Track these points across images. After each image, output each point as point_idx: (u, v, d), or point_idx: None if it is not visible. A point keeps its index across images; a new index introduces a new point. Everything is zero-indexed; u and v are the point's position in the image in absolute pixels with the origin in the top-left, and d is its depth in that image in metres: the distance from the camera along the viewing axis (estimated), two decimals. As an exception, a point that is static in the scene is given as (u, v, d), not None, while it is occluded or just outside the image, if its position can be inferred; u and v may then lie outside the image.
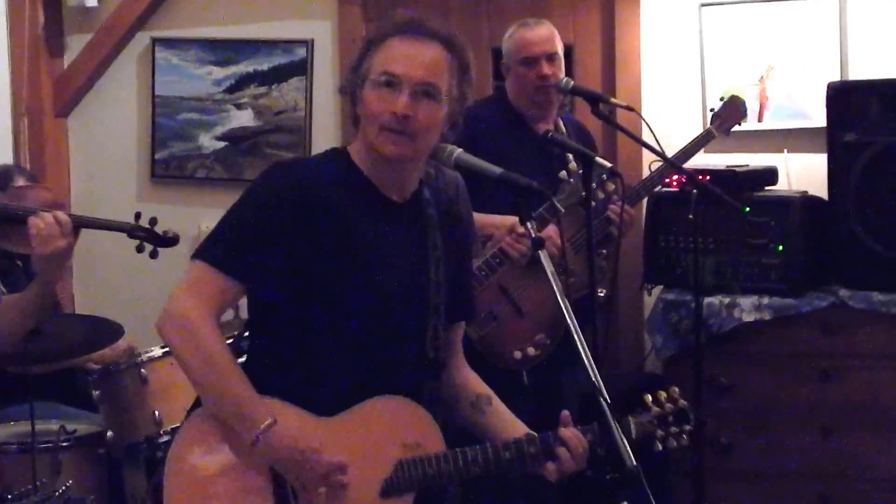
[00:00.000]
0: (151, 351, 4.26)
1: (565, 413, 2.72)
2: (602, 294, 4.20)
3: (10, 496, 3.40)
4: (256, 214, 2.62)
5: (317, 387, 2.63)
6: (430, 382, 2.77)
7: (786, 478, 4.55)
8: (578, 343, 2.45)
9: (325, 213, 2.60)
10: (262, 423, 2.55)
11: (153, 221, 3.80)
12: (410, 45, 2.63)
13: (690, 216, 4.12)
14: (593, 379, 2.44)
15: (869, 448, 4.46)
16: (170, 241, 3.85)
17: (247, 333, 2.89)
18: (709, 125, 4.57)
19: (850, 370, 4.47)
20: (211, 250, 2.63)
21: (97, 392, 4.31)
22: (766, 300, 4.52)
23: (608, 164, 3.45)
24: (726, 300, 4.53)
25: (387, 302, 2.67)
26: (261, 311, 2.73)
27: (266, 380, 2.62)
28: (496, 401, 2.91)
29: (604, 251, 4.22)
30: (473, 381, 2.94)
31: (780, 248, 4.53)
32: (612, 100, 4.18)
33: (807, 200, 4.62)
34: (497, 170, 2.72)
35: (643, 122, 4.24)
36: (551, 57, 4.24)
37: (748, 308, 4.51)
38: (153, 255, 3.81)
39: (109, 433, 4.24)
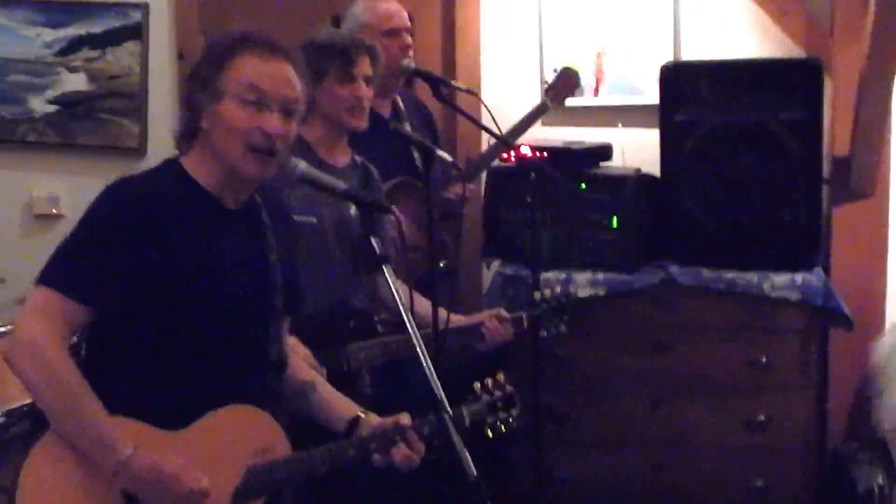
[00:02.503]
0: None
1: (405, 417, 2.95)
2: (443, 265, 4.50)
3: None
4: (96, 235, 2.68)
5: (163, 399, 2.71)
6: (274, 384, 2.92)
7: (620, 446, 4.90)
8: (421, 357, 2.72)
9: (163, 228, 2.68)
10: (123, 452, 2.62)
11: None
12: (270, 63, 2.76)
13: (528, 198, 4.38)
14: (437, 394, 2.72)
15: (697, 417, 4.83)
16: None
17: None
18: (543, 97, 4.86)
19: (680, 344, 4.81)
20: (54, 275, 2.66)
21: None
22: (600, 276, 4.82)
23: (449, 158, 3.67)
24: (562, 275, 4.84)
25: (230, 309, 2.78)
26: (100, 325, 2.76)
27: (108, 394, 2.66)
28: (321, 385, 3.09)
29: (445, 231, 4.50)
30: (298, 370, 3.10)
31: (615, 224, 4.83)
32: (454, 83, 4.42)
33: (640, 178, 4.91)
34: (341, 185, 2.94)
35: (482, 105, 4.48)
36: (408, 29, 4.46)
37: (583, 283, 4.82)
38: None
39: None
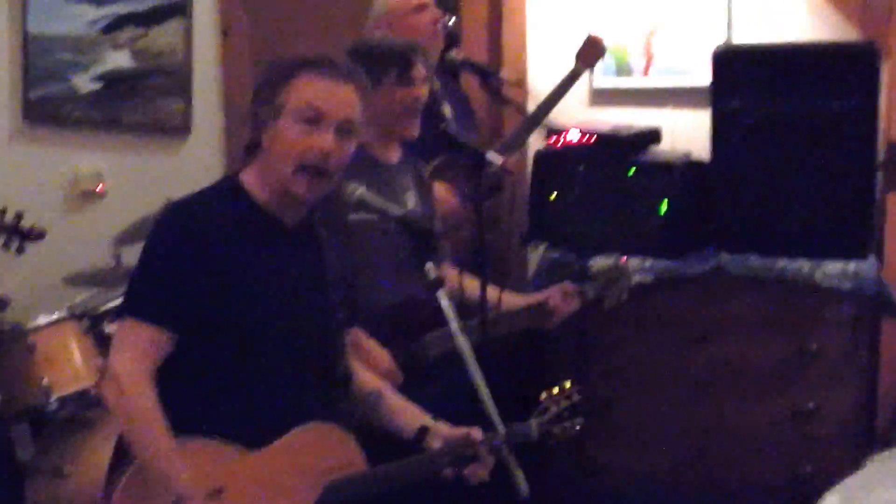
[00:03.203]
0: (38, 319, 4.45)
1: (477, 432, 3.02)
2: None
3: None
4: (163, 259, 2.79)
5: (236, 418, 2.81)
6: (342, 398, 3.01)
7: (664, 434, 4.90)
8: (481, 390, 2.75)
9: (224, 248, 2.77)
10: (177, 490, 2.72)
11: (19, 215, 3.93)
12: (330, 83, 2.82)
13: (575, 183, 4.39)
14: (491, 417, 2.77)
15: (743, 405, 4.82)
16: (36, 236, 3.98)
17: None
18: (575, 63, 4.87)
19: (727, 331, 4.80)
20: (134, 305, 2.81)
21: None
22: (648, 263, 4.81)
23: (498, 162, 3.70)
24: (609, 261, 4.83)
25: (295, 328, 2.86)
26: (174, 352, 2.85)
27: (186, 415, 2.78)
28: (388, 393, 3.16)
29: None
30: (364, 380, 3.17)
31: (663, 210, 4.82)
32: (501, 76, 4.41)
33: (689, 163, 4.89)
34: (397, 211, 2.98)
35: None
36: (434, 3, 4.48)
37: (630, 270, 4.82)
38: (19, 250, 3.95)
39: (-2, 399, 4.42)
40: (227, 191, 2.90)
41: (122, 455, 2.86)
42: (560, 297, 4.03)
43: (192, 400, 2.81)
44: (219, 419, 2.80)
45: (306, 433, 2.88)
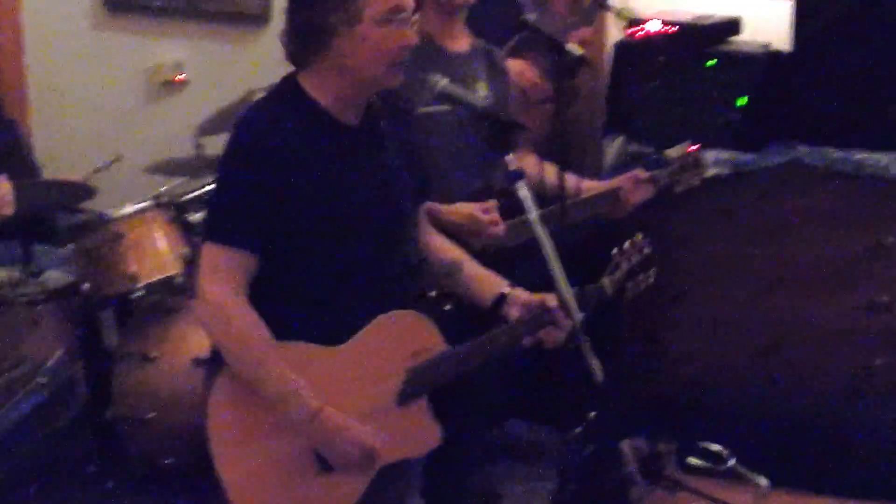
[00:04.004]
0: (125, 208, 4.59)
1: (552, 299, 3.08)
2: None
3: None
4: (240, 180, 2.83)
5: (319, 319, 2.88)
6: (415, 284, 3.10)
7: (736, 325, 4.94)
8: (559, 281, 2.85)
9: (296, 156, 2.81)
10: (310, 409, 2.81)
11: None
12: None
13: (655, 81, 4.43)
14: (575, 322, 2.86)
15: (816, 298, 4.84)
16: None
17: None
18: None
19: (803, 224, 4.81)
20: (217, 231, 2.85)
21: (72, 245, 4.64)
22: (725, 155, 4.83)
23: (577, 52, 3.72)
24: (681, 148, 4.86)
25: (368, 222, 2.92)
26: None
27: (271, 321, 2.83)
28: (468, 263, 3.22)
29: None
30: (442, 249, 3.24)
31: (742, 102, 4.83)
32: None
33: (770, 55, 4.89)
34: (480, 103, 3.03)
35: None
36: None
37: (707, 162, 4.85)
38: None
39: (86, 285, 4.57)
40: (291, 98, 2.92)
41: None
42: (632, 185, 4.08)
43: (276, 312, 2.85)
44: (304, 326, 2.87)
45: (387, 322, 2.96)
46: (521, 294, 3.14)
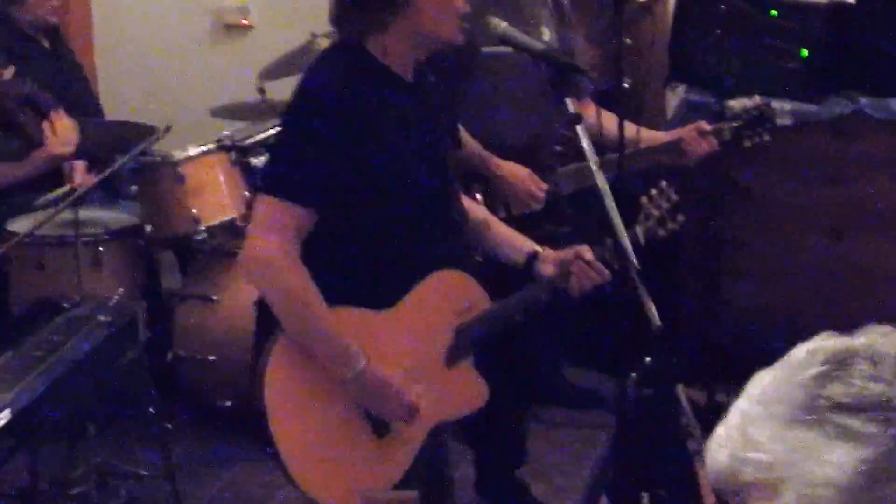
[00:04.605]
0: (188, 150, 4.65)
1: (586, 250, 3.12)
2: (626, 84, 4.58)
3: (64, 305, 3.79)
4: (305, 135, 2.81)
5: (374, 280, 2.89)
6: (460, 242, 3.08)
7: (798, 276, 4.98)
8: (617, 228, 2.90)
9: (363, 114, 2.80)
10: (358, 365, 2.81)
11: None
12: None
13: (717, 30, 4.43)
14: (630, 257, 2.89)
15: (880, 250, 4.88)
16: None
17: None
18: None
19: (865, 176, 4.84)
20: (275, 183, 2.82)
21: (135, 187, 4.73)
22: (787, 105, 4.82)
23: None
24: (748, 102, 4.87)
25: (421, 180, 2.92)
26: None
27: (322, 284, 2.81)
28: (495, 223, 3.25)
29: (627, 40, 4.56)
30: (472, 209, 3.24)
31: (805, 53, 4.83)
32: None
33: (833, 4, 4.86)
34: (539, 46, 3.05)
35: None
36: None
37: (776, 117, 4.84)
38: None
39: (148, 227, 4.66)
40: (358, 58, 2.88)
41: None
42: (695, 137, 4.07)
43: (325, 275, 2.83)
44: (353, 289, 2.87)
45: (432, 283, 2.96)
46: (551, 252, 3.16)
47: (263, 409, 2.82)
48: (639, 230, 3.25)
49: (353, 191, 2.82)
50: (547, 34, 3.92)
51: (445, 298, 3.01)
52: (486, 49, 3.61)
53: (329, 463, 2.90)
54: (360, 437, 2.91)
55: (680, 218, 3.33)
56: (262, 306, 2.96)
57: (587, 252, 3.09)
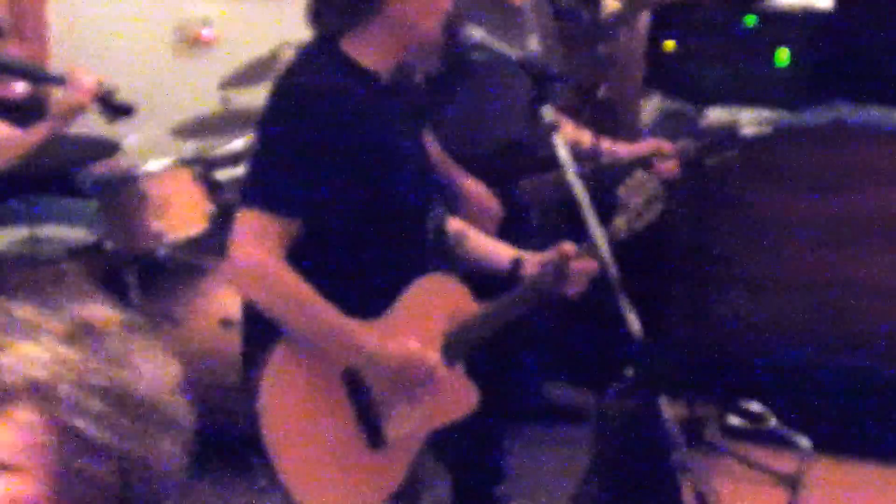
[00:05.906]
0: (149, 166, 4.52)
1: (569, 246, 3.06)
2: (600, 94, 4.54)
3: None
4: (283, 144, 2.73)
5: (361, 289, 2.82)
6: (443, 248, 3.02)
7: (784, 288, 4.96)
8: (597, 239, 2.84)
9: (340, 119, 2.72)
10: (367, 344, 2.75)
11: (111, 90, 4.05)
12: None
13: (694, 38, 4.39)
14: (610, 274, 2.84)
15: (867, 260, 4.86)
16: (125, 111, 4.09)
17: None
18: None
19: (850, 185, 4.82)
20: (256, 195, 2.73)
21: (96, 203, 4.61)
22: (767, 113, 4.80)
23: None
24: (726, 112, 4.83)
25: (405, 183, 2.86)
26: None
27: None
28: (472, 232, 3.17)
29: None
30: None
31: (784, 60, 4.80)
32: None
33: (811, 11, 4.85)
34: (513, 54, 2.99)
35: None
36: None
37: (749, 121, 4.78)
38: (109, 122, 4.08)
39: (109, 244, 4.52)
40: (333, 60, 2.81)
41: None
42: (660, 156, 3.98)
43: (315, 282, 2.74)
44: (344, 296, 2.78)
45: (420, 289, 2.90)
46: (534, 256, 3.10)
47: (258, 424, 2.75)
48: (619, 222, 3.16)
49: (336, 196, 2.74)
50: (534, 43, 3.89)
51: (434, 303, 2.95)
52: (475, 55, 3.56)
53: (326, 477, 2.84)
54: (355, 450, 2.85)
55: (660, 206, 3.26)
56: (249, 320, 2.89)
57: (570, 248, 3.03)
